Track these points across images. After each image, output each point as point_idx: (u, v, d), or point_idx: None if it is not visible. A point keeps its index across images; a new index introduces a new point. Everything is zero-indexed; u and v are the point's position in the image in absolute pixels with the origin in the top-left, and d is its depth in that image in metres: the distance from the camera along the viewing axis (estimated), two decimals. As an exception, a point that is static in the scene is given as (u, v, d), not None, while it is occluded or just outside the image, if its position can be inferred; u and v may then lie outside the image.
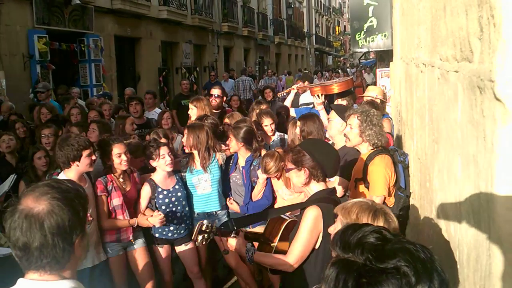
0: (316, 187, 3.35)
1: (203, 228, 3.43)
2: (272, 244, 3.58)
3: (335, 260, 1.36)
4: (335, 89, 7.28)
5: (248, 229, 3.94)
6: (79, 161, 4.49)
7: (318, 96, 7.12)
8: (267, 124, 6.52)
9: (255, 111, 7.47)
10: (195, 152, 5.37)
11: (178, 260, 5.55)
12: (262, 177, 5.11)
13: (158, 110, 9.10)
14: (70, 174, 4.53)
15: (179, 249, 5.33)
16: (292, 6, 41.57)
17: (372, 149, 4.24)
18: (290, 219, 3.65)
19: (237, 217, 4.42)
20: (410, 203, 4.25)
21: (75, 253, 1.93)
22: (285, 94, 9.69)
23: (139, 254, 5.06)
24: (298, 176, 3.35)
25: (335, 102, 7.21)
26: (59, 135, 6.38)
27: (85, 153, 4.50)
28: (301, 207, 3.43)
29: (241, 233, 3.56)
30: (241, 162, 5.49)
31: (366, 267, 1.27)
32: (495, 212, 1.57)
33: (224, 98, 8.30)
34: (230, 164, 5.59)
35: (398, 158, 4.35)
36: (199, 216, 5.36)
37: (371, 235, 1.37)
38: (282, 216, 3.72)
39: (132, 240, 5.00)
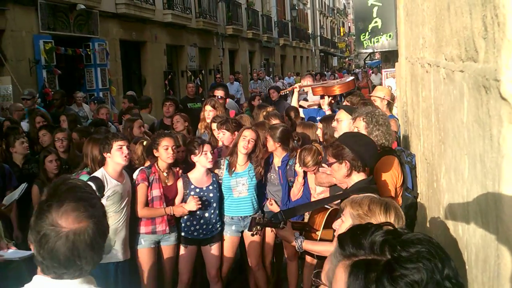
0: (356, 177, 3.52)
1: (257, 221, 3.76)
2: (317, 233, 3.79)
3: (353, 262, 1.29)
4: (337, 90, 7.28)
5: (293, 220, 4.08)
6: (110, 152, 4.73)
7: (327, 96, 7.12)
8: None
9: (262, 113, 7.49)
10: (240, 155, 5.36)
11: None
12: (300, 171, 5.17)
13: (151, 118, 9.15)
14: (108, 169, 4.79)
15: (204, 249, 5.38)
16: (296, 7, 41.55)
17: (378, 150, 4.24)
18: (332, 208, 3.83)
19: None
20: (418, 204, 4.23)
21: None
22: (287, 92, 9.72)
23: (170, 250, 5.22)
24: (339, 169, 3.52)
25: (344, 104, 7.19)
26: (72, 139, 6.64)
27: (117, 143, 4.73)
28: (343, 197, 3.53)
29: (289, 224, 3.72)
30: (277, 162, 5.55)
31: (393, 260, 1.25)
32: (503, 212, 1.56)
33: (227, 100, 8.35)
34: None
35: (405, 159, 4.33)
36: (233, 220, 5.39)
37: (382, 231, 1.35)
38: (325, 205, 3.91)
39: (167, 232, 5.13)
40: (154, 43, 18.29)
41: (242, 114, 8.52)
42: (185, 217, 5.21)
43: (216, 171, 5.46)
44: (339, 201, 3.71)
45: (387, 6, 9.31)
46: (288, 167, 5.42)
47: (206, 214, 5.25)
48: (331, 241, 3.42)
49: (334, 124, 5.23)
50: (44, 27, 12.43)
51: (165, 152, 5.07)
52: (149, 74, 18.10)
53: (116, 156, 4.74)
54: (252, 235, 3.92)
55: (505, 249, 1.56)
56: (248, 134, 5.30)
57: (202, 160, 5.20)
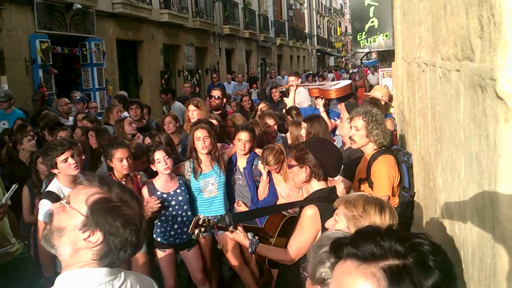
0: (316, 185, 3.41)
1: (200, 222, 3.44)
2: (270, 239, 3.68)
3: (387, 269, 1.20)
4: (333, 94, 7.30)
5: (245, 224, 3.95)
6: (57, 167, 4.54)
7: (320, 98, 7.14)
8: (270, 125, 6.52)
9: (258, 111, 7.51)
10: (203, 156, 5.30)
11: (183, 264, 5.53)
12: (263, 171, 5.18)
13: (126, 114, 9.07)
14: (61, 181, 4.60)
15: (183, 254, 5.31)
16: (293, 7, 41.55)
17: (376, 149, 4.24)
18: (290, 215, 3.74)
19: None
20: (414, 203, 4.24)
21: None
22: (284, 89, 9.71)
23: (139, 259, 4.99)
24: (299, 173, 3.41)
25: (338, 106, 7.23)
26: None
27: (60, 158, 4.50)
28: (300, 205, 3.49)
29: (240, 227, 3.55)
30: (241, 163, 5.51)
31: (419, 258, 1.22)
32: (499, 210, 1.57)
33: (225, 100, 8.37)
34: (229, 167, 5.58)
35: (401, 158, 4.35)
36: None
37: (387, 237, 1.29)
38: (282, 212, 3.81)
39: None
40: (150, 43, 18.25)
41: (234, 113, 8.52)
42: (159, 223, 5.09)
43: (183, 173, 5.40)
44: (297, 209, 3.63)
45: (384, 6, 9.30)
46: (253, 166, 5.40)
47: (179, 218, 5.14)
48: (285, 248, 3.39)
49: (337, 122, 5.26)
50: (40, 27, 12.40)
51: (119, 164, 4.91)
52: (146, 74, 18.08)
53: (64, 169, 4.56)
54: (196, 238, 3.69)
55: (502, 248, 1.57)
56: (200, 134, 5.21)
57: (158, 168, 5.07)
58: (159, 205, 4.91)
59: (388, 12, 9.02)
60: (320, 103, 7.13)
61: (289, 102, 8.07)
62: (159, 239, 5.18)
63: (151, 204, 4.86)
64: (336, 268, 1.33)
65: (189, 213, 5.23)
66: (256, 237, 3.57)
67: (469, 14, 1.87)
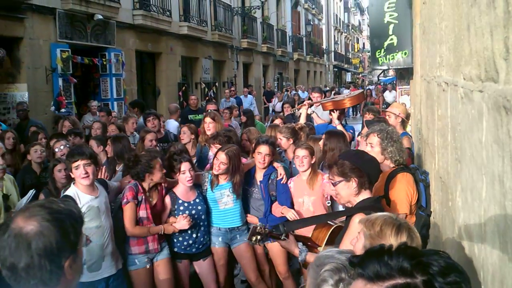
0: (362, 195, 3.43)
1: (257, 230, 3.64)
2: (319, 248, 3.75)
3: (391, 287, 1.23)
4: (347, 103, 7.32)
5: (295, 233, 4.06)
6: (71, 172, 4.62)
7: (333, 111, 7.15)
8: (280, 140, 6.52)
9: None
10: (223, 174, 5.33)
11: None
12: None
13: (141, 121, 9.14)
14: (78, 185, 4.63)
15: (197, 264, 5.33)
16: (311, 23, 41.69)
17: (393, 167, 4.24)
18: (336, 225, 3.82)
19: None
20: (431, 222, 4.22)
21: (66, 276, 1.90)
22: (297, 109, 9.68)
23: (164, 264, 5.07)
24: (348, 187, 3.41)
25: (364, 118, 7.23)
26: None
27: (74, 165, 4.56)
28: (348, 213, 3.52)
29: (291, 236, 3.67)
30: (258, 176, 5.51)
31: (430, 277, 1.21)
32: (522, 233, 1.56)
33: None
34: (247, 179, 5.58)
35: (419, 177, 4.33)
36: (220, 232, 5.37)
37: (396, 255, 1.29)
38: (328, 222, 3.91)
39: (158, 249, 5.02)
40: (169, 55, 18.41)
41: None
42: (176, 233, 5.12)
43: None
44: (344, 218, 3.70)
45: (403, 24, 9.30)
46: (270, 181, 5.40)
47: (197, 227, 5.22)
48: None
49: (358, 138, 5.25)
50: (61, 36, 12.58)
51: (183, 175, 5.13)
52: (164, 85, 18.21)
53: (76, 176, 4.60)
54: (252, 244, 3.86)
55: (524, 270, 1.56)
56: (221, 158, 5.23)
57: (181, 179, 5.18)
58: (191, 222, 5.00)
59: (407, 30, 9.03)
60: (334, 116, 7.13)
61: (301, 119, 8.03)
62: (175, 249, 5.21)
63: (182, 223, 4.96)
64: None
65: (206, 223, 5.29)
66: (304, 246, 3.69)
67: (494, 36, 1.88)
